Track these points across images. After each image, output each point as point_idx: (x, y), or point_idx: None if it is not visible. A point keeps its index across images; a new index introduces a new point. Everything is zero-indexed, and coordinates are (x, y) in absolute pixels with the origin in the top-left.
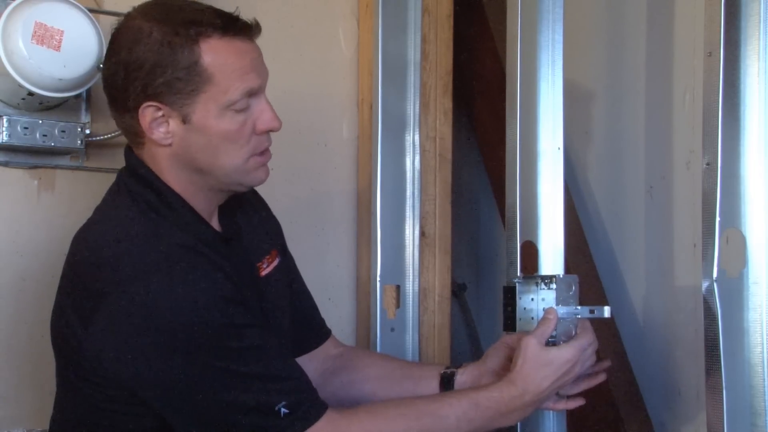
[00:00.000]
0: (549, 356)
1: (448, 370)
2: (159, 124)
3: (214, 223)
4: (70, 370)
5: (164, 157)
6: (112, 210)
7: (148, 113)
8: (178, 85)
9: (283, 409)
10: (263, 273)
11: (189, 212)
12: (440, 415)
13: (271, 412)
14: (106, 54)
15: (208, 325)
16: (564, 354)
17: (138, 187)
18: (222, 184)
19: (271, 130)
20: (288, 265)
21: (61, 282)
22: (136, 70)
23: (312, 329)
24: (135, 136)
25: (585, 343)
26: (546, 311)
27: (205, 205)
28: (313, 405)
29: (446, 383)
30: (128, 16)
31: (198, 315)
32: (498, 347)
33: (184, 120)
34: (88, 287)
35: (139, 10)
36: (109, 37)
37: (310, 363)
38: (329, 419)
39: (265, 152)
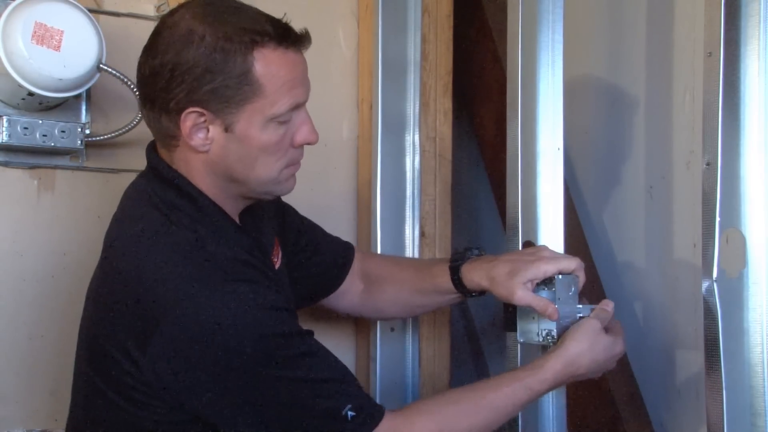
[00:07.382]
0: (608, 341)
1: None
2: (199, 130)
3: None
4: (105, 385)
5: (198, 163)
6: (148, 221)
7: (190, 119)
8: (226, 93)
9: (349, 413)
10: (277, 266)
11: (228, 222)
12: (497, 407)
13: (338, 416)
14: (147, 51)
15: (271, 338)
16: (617, 347)
17: (170, 195)
18: (253, 193)
19: (309, 143)
20: (288, 238)
21: (98, 297)
22: (184, 74)
23: (340, 261)
24: (169, 138)
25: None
26: (602, 302)
27: (232, 210)
28: (373, 406)
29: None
30: (176, 15)
31: (260, 329)
32: None
33: (227, 129)
34: (144, 309)
35: (189, 10)
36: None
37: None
38: (390, 421)
39: (296, 162)
